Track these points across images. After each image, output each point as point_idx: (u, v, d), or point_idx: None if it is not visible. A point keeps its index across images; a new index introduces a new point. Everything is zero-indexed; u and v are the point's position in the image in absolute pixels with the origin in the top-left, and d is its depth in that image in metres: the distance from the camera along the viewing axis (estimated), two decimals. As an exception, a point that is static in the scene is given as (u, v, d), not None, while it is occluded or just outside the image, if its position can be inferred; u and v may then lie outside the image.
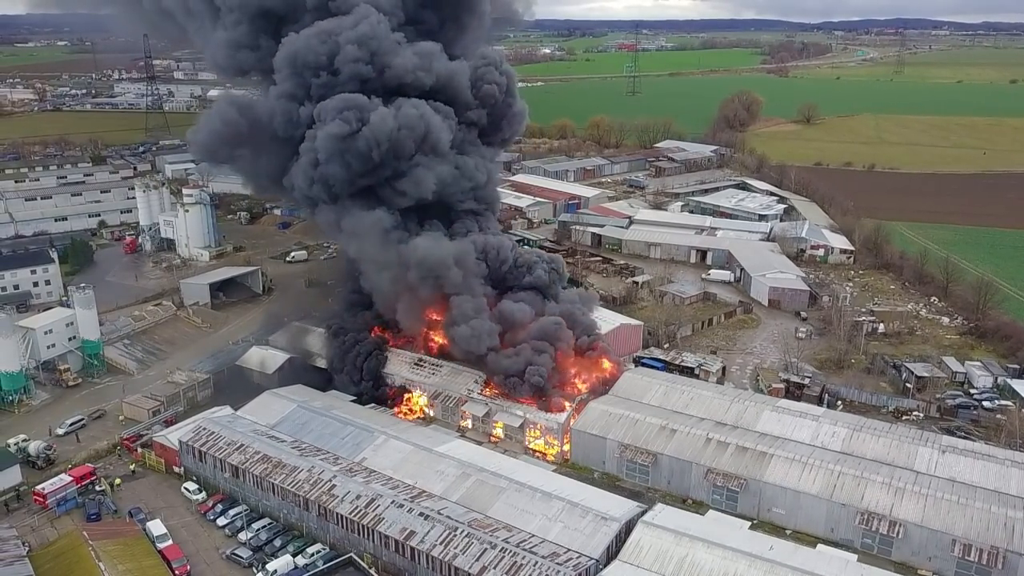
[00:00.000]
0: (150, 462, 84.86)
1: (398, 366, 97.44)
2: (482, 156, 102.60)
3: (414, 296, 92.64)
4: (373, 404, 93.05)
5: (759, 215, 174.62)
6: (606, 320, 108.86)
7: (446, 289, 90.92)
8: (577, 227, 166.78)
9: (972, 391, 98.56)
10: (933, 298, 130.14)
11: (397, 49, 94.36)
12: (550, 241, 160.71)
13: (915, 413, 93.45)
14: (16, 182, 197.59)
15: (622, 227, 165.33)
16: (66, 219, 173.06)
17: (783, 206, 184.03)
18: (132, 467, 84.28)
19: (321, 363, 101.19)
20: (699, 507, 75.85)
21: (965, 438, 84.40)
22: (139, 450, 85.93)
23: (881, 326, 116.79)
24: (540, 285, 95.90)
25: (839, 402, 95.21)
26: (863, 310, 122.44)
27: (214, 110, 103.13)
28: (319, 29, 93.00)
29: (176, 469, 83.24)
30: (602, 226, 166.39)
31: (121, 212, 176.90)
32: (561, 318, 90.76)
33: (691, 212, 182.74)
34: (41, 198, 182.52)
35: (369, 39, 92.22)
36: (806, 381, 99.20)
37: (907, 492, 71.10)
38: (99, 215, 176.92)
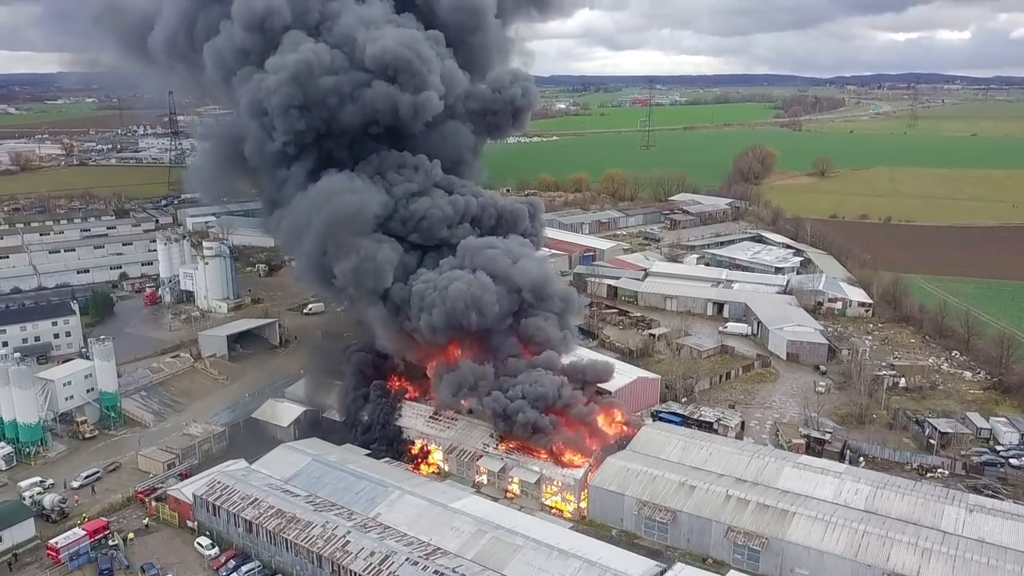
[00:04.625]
0: (164, 516, 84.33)
1: (413, 419, 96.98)
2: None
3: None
4: (388, 458, 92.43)
5: (775, 268, 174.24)
6: (623, 373, 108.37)
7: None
8: (593, 279, 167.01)
9: (998, 448, 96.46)
10: (954, 352, 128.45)
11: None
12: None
13: (940, 470, 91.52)
14: (41, 235, 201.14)
15: (638, 279, 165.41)
16: (88, 271, 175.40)
17: (799, 259, 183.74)
18: (146, 521, 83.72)
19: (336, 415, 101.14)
20: (720, 566, 74.03)
21: (993, 497, 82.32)
22: (153, 504, 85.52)
23: (902, 380, 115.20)
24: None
25: (861, 458, 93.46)
26: (883, 364, 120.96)
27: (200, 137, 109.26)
28: None
29: (190, 523, 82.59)
30: (618, 278, 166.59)
31: (142, 264, 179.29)
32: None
33: (707, 264, 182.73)
34: (65, 251, 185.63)
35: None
36: (827, 437, 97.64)
37: (934, 553, 69.19)
38: (121, 267, 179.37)
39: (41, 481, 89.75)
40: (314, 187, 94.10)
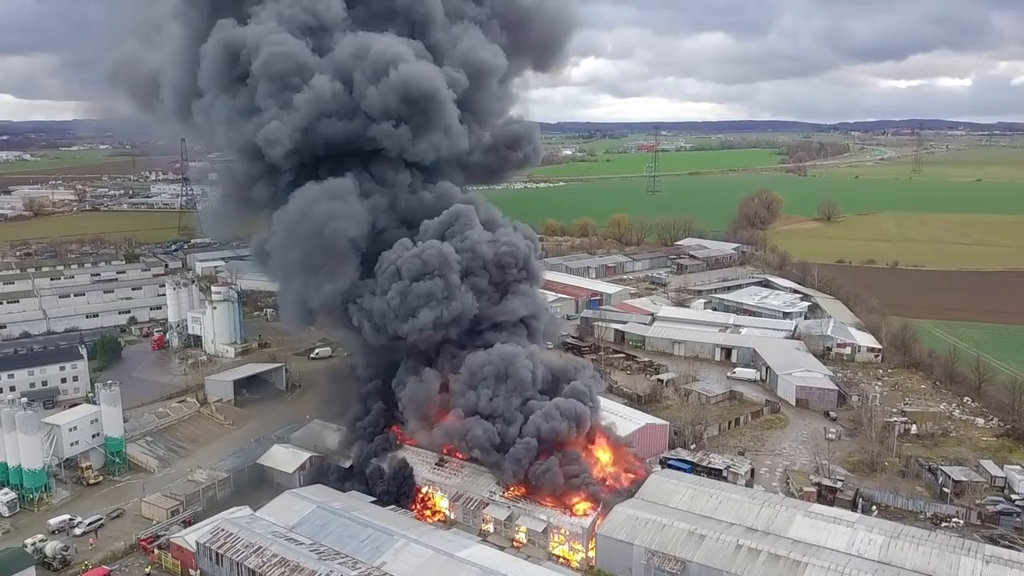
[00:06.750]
0: (166, 564, 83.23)
1: (418, 466, 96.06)
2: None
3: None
4: (393, 505, 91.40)
5: (783, 312, 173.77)
6: (631, 419, 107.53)
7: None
8: (600, 323, 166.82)
9: (1014, 496, 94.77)
10: (966, 398, 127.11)
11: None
12: (573, 337, 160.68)
13: (954, 520, 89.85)
14: (52, 279, 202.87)
15: (645, 324, 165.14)
16: (97, 316, 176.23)
17: (807, 303, 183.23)
18: (148, 569, 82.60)
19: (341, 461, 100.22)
20: (731, 619, 72.41)
21: (1009, 547, 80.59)
22: (156, 551, 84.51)
23: (914, 427, 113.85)
24: None
25: (874, 507, 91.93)
26: (894, 410, 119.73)
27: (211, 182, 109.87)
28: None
29: (192, 572, 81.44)
30: (625, 322, 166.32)
31: (151, 309, 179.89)
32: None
33: (714, 309, 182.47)
34: (74, 295, 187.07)
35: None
36: (839, 485, 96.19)
37: (951, 606, 67.60)
38: (129, 312, 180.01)
39: (70, 519, 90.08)
40: (300, 200, 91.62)
